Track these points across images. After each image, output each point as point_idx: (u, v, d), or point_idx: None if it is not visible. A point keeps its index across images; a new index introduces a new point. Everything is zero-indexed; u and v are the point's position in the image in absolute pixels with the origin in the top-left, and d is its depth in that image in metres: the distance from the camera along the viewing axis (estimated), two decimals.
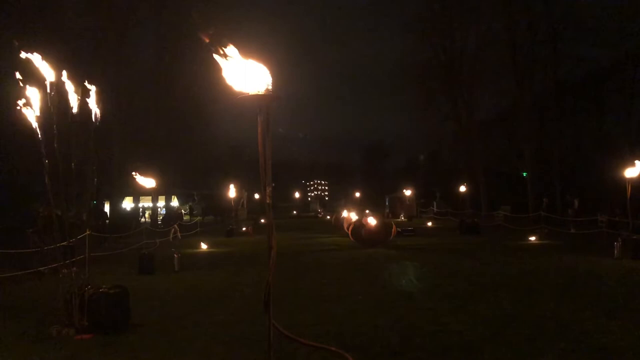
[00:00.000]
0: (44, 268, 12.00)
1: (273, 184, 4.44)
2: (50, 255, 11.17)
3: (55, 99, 7.21)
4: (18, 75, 6.97)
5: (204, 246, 19.44)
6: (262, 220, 31.80)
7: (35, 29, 22.24)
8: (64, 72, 7.25)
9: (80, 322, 7.01)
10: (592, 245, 16.95)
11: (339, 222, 27.70)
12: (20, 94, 7.24)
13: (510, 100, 33.75)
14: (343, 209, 28.94)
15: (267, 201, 4.31)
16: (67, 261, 7.67)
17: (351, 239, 19.39)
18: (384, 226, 19.60)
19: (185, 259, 14.82)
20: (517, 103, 31.71)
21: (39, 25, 22.90)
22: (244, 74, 4.09)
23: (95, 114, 7.80)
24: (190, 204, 42.86)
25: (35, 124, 7.30)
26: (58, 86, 7.21)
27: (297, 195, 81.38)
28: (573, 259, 14.01)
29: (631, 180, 14.38)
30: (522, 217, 27.20)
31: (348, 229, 20.61)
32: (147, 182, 14.27)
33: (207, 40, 4.00)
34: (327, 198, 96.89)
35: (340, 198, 67.64)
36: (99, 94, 7.84)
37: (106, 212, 28.94)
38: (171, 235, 23.74)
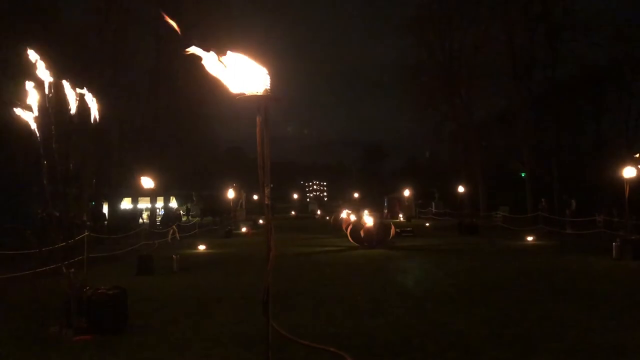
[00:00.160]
0: (42, 269, 11.99)
1: (272, 185, 4.44)
2: (48, 256, 11.16)
3: (53, 100, 7.20)
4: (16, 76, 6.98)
5: (202, 247, 19.43)
6: (261, 221, 31.80)
7: (33, 30, 22.21)
8: (62, 73, 7.25)
9: (79, 323, 7.01)
10: (590, 246, 16.97)
11: (337, 222, 27.73)
12: (19, 94, 7.24)
13: (508, 100, 33.77)
14: (342, 210, 28.94)
15: (266, 202, 4.31)
16: (66, 262, 7.66)
17: (350, 239, 19.38)
18: (382, 227, 19.61)
19: (184, 259, 14.81)
20: (515, 103, 31.73)
21: (37, 26, 22.87)
22: (243, 74, 4.09)
23: (94, 115, 7.79)
24: (187, 205, 42.83)
25: (33, 125, 7.29)
26: (56, 87, 7.20)
27: (295, 196, 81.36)
28: (571, 260, 14.04)
29: (629, 180, 14.40)
30: (520, 217, 27.23)
31: (347, 229, 20.62)
32: (145, 182, 14.29)
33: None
34: (325, 199, 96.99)
35: (339, 199, 67.68)
36: (98, 94, 7.83)
37: (104, 213, 28.91)
38: (170, 236, 23.74)
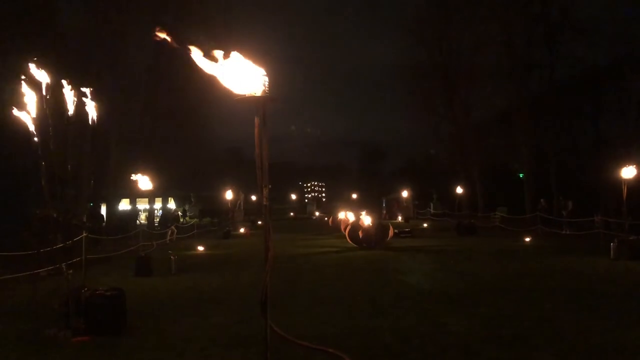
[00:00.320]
0: (40, 270, 11.96)
1: (270, 186, 4.44)
2: (47, 257, 11.13)
3: (51, 101, 7.19)
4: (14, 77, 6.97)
5: (201, 248, 19.41)
6: (259, 222, 31.78)
7: (31, 30, 22.18)
8: (60, 74, 7.24)
9: (77, 325, 7.00)
10: (588, 247, 16.98)
11: (336, 223, 27.72)
12: (17, 96, 7.23)
13: (507, 101, 33.78)
14: (340, 211, 28.94)
15: (264, 203, 4.31)
16: (64, 263, 7.65)
17: (348, 240, 19.38)
18: (381, 228, 19.61)
19: (182, 261, 14.80)
20: (513, 104, 31.75)
21: (34, 27, 22.83)
22: (241, 75, 4.09)
23: (92, 116, 7.78)
24: (184, 207, 42.79)
25: (32, 126, 7.29)
26: (54, 88, 7.20)
27: (294, 197, 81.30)
28: (569, 260, 14.04)
29: (627, 180, 14.41)
30: (518, 218, 27.24)
31: (345, 230, 20.62)
32: (144, 183, 14.26)
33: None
34: (324, 199, 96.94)
35: (337, 199, 67.65)
36: (96, 95, 7.81)
37: (102, 215, 28.86)
38: (168, 237, 23.75)
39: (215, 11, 30.70)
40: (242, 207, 45.28)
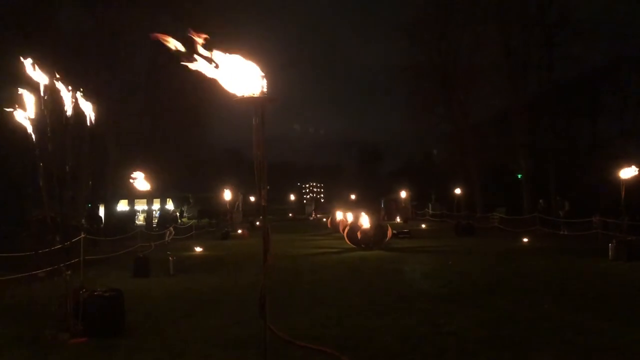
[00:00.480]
0: (38, 272, 11.94)
1: (268, 187, 4.44)
2: (45, 259, 11.12)
3: (49, 102, 7.18)
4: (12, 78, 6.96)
5: (199, 249, 19.40)
6: (258, 223, 31.75)
7: (28, 31, 22.18)
8: (58, 75, 7.23)
9: (75, 326, 6.98)
10: (586, 247, 16.99)
11: (334, 224, 27.72)
12: (14, 97, 7.22)
13: (505, 101, 33.81)
14: (338, 211, 28.94)
15: (263, 204, 4.31)
16: (62, 264, 7.63)
17: (347, 241, 19.38)
18: (379, 228, 19.61)
19: (181, 262, 14.79)
20: (512, 104, 31.78)
21: (32, 28, 22.82)
22: (240, 76, 4.09)
23: (90, 117, 7.77)
24: (182, 208, 42.79)
25: (29, 127, 7.27)
26: (52, 89, 7.18)
27: (292, 197, 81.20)
28: (568, 261, 14.05)
29: (625, 181, 14.41)
30: (517, 218, 27.26)
31: (343, 231, 20.62)
32: (142, 184, 14.23)
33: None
34: (322, 200, 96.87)
35: (335, 200, 67.60)
36: (94, 96, 7.81)
37: (100, 217, 28.85)
38: (167, 238, 23.74)
39: (213, 12, 30.66)
40: (240, 208, 45.28)
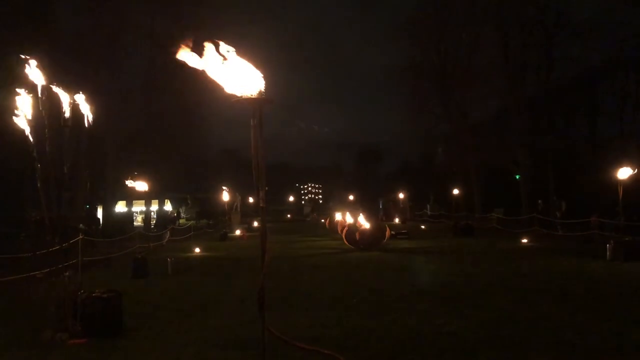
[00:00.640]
0: (37, 273, 11.92)
1: (267, 188, 4.43)
2: (43, 260, 11.10)
3: (46, 103, 7.17)
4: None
5: (197, 250, 19.38)
6: (256, 224, 31.73)
7: (25, 33, 22.14)
8: (56, 76, 7.22)
9: (73, 327, 6.97)
10: (584, 247, 17.00)
11: (333, 225, 27.71)
12: (12, 98, 7.20)
13: (503, 102, 33.82)
14: (337, 212, 28.93)
15: (261, 205, 4.30)
16: (61, 265, 7.62)
17: (345, 242, 19.38)
18: (377, 229, 19.61)
19: (179, 263, 14.78)
20: (509, 105, 31.79)
21: (29, 29, 22.79)
22: (238, 77, 4.09)
23: (87, 118, 7.76)
24: (179, 209, 42.76)
25: (27, 129, 7.26)
26: (49, 90, 7.17)
27: (291, 198, 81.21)
28: (566, 261, 14.06)
29: (623, 181, 14.42)
30: (515, 219, 27.28)
31: (342, 232, 20.61)
32: (140, 186, 14.25)
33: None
34: (321, 201, 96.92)
35: (334, 201, 67.61)
36: (91, 97, 7.79)
37: (99, 218, 28.84)
38: (166, 238, 23.73)
39: (212, 14, 30.68)
40: (238, 209, 45.24)
